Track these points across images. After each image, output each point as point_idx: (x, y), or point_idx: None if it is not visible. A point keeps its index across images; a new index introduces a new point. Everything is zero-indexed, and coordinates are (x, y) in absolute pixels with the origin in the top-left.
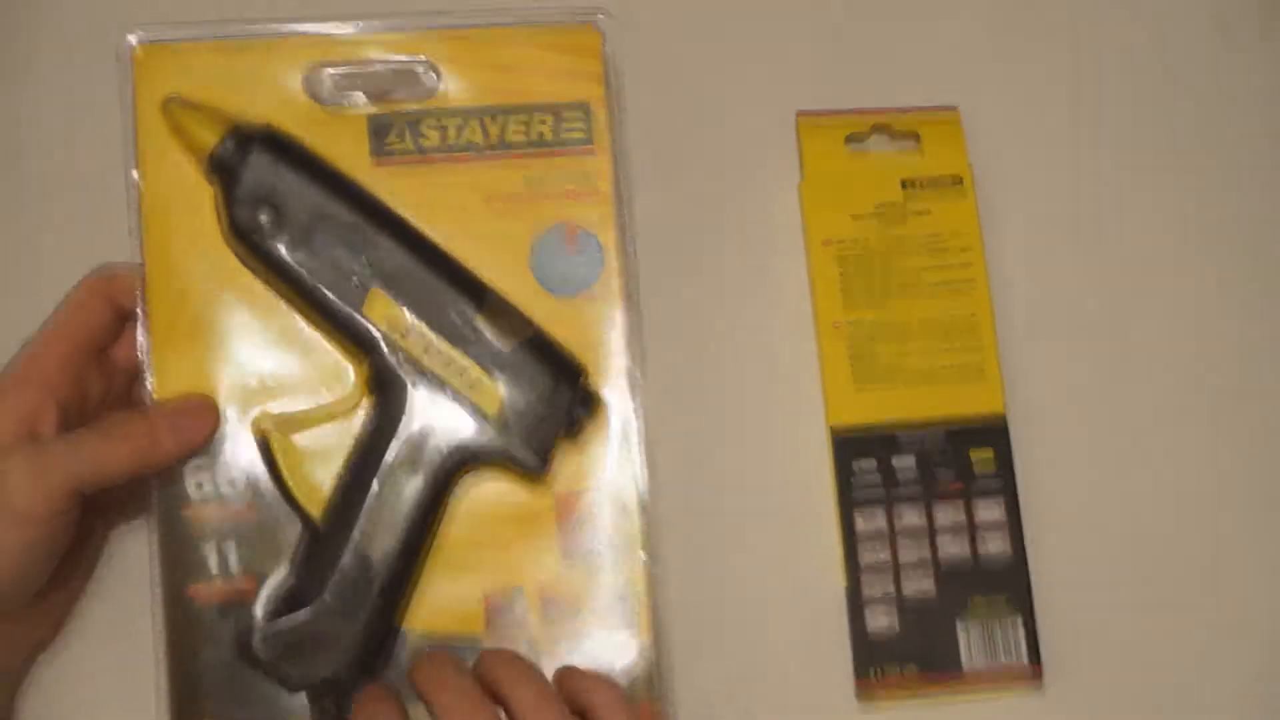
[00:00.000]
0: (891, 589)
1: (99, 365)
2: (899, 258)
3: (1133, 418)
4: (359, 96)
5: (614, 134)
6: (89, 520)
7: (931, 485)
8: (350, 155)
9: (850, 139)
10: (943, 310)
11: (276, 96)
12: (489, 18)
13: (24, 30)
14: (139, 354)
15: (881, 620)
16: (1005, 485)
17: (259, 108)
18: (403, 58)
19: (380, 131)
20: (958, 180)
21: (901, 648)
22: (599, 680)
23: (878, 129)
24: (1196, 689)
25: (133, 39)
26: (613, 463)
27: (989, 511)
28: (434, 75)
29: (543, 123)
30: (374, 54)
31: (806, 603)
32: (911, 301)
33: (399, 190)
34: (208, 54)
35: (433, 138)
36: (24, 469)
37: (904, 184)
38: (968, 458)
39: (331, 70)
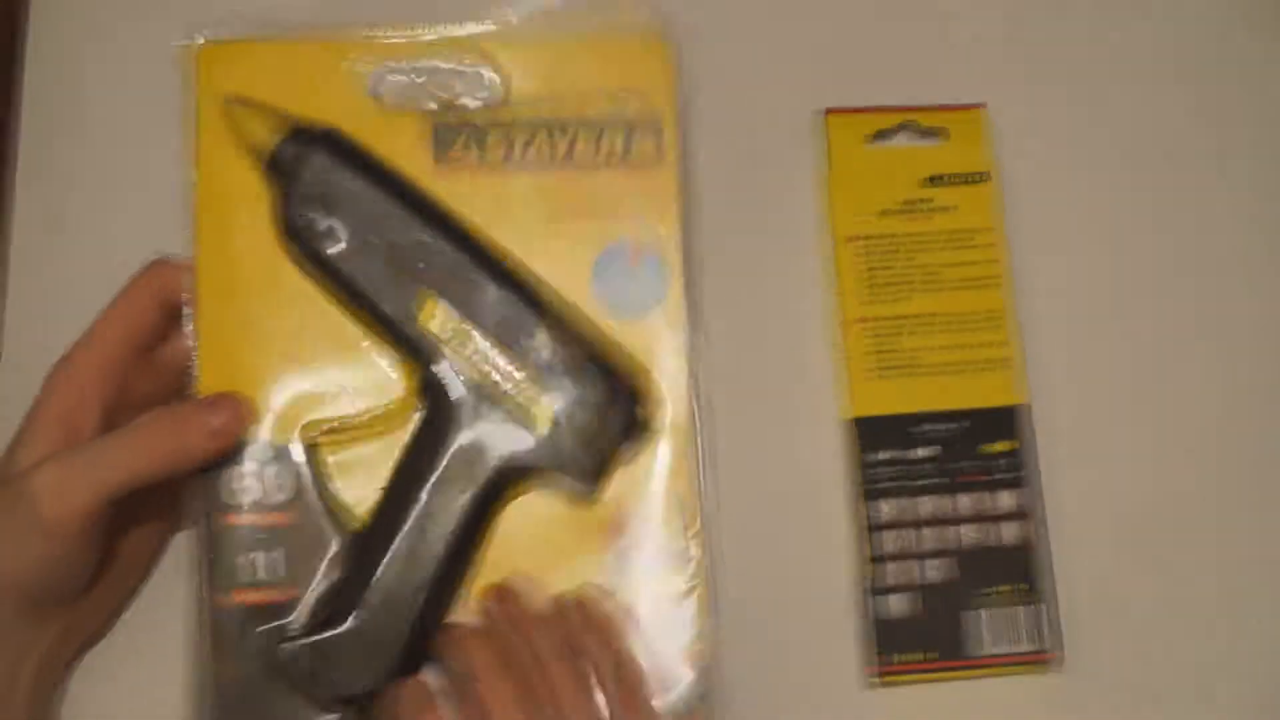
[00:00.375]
0: (914, 577)
1: (147, 364)
2: (923, 253)
3: (1153, 409)
4: (424, 101)
5: (682, 151)
6: (138, 515)
7: (954, 474)
8: (411, 159)
9: (876, 136)
10: (966, 304)
11: (339, 96)
12: (557, 23)
13: (90, 27)
14: (188, 352)
15: (903, 606)
16: (1028, 474)
17: (321, 108)
18: (469, 64)
19: (444, 138)
20: (983, 176)
21: (921, 633)
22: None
23: (904, 126)
24: (1213, 676)
25: (198, 38)
26: (662, 483)
27: (1010, 500)
28: (498, 82)
29: (614, 138)
30: (440, 59)
31: (828, 589)
32: (935, 296)
33: (459, 196)
34: (270, 53)
35: (498, 148)
36: (52, 482)
37: (929, 180)
38: (990, 447)
39: (396, 74)
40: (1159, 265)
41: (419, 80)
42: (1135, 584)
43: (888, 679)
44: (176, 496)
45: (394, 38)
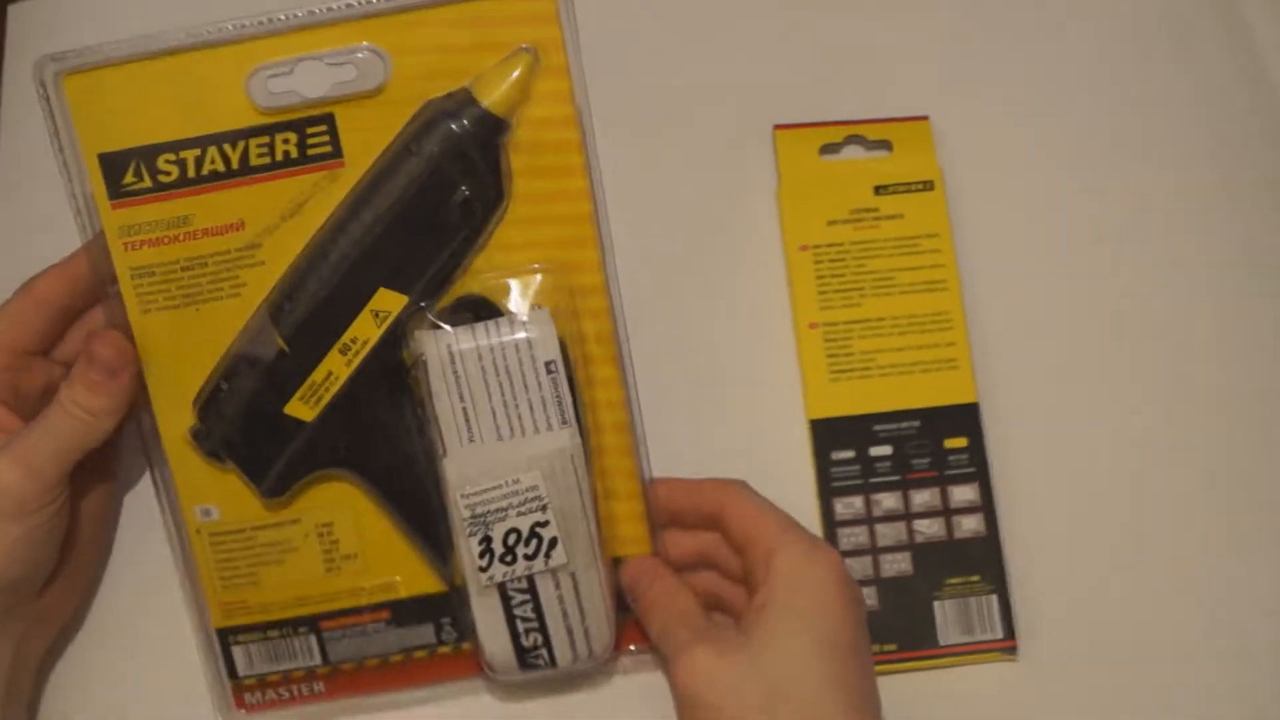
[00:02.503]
0: (871, 571)
1: (42, 364)
2: (873, 259)
3: (1098, 403)
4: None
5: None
6: (80, 491)
7: (907, 471)
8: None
9: (825, 149)
10: (916, 307)
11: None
12: None
13: None
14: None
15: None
16: (979, 470)
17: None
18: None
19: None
20: (929, 185)
21: (881, 626)
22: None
23: (851, 139)
24: (1163, 660)
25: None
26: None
27: (963, 494)
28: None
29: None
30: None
31: None
32: (886, 300)
33: None
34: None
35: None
36: (9, 464)
37: (877, 189)
38: (942, 445)
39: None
40: (1100, 264)
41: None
42: (1086, 572)
43: None
44: (105, 472)
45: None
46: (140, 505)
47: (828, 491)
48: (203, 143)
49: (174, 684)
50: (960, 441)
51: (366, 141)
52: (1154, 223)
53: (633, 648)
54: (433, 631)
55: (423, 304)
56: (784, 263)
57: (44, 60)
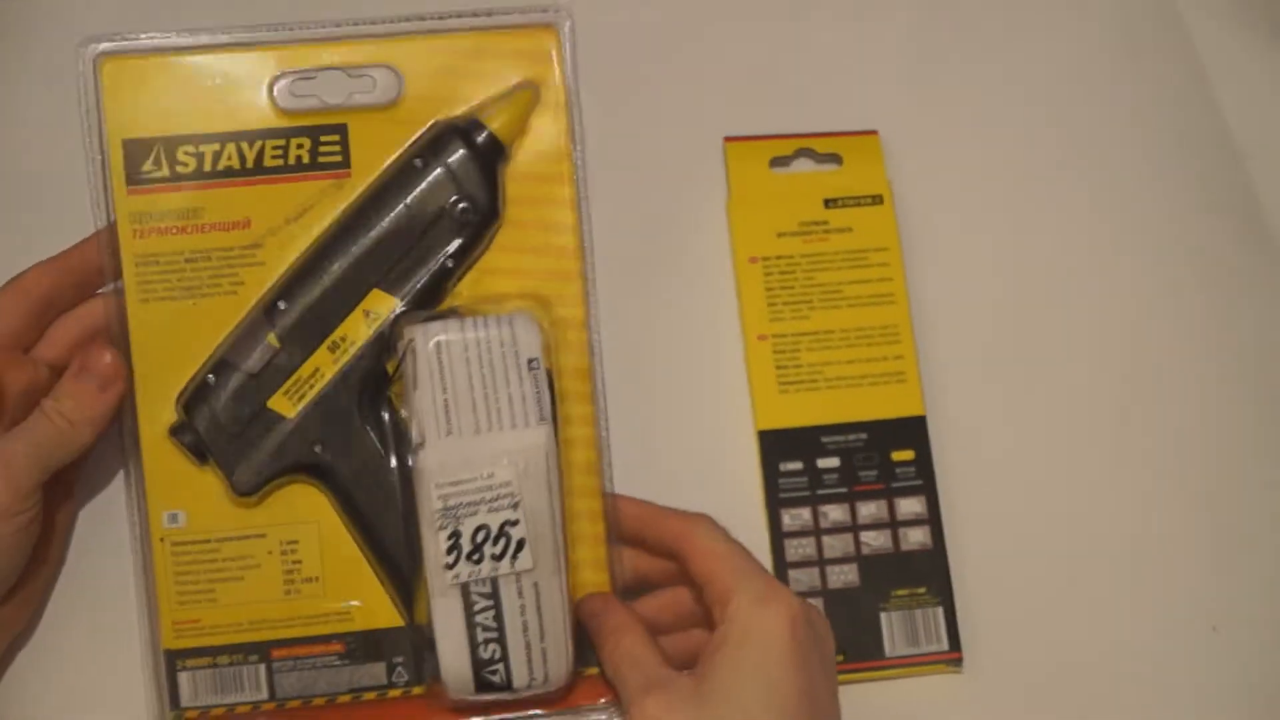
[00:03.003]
0: (818, 583)
1: (19, 363)
2: (822, 272)
3: (1044, 417)
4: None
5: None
6: (51, 508)
7: (854, 483)
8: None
9: (775, 162)
10: (865, 320)
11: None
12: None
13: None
14: (60, 348)
15: None
16: (925, 483)
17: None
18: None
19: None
20: (878, 199)
21: None
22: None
23: (801, 152)
24: (1107, 671)
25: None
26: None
27: (910, 507)
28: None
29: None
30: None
31: None
32: (835, 312)
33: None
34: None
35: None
36: None
37: (827, 203)
38: (889, 457)
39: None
40: (1047, 278)
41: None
42: (1031, 584)
43: None
44: (70, 484)
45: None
46: (103, 515)
47: (775, 502)
48: (222, 139)
49: (116, 708)
50: (907, 454)
51: (374, 155)
52: (1101, 237)
53: (603, 700)
54: (384, 671)
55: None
56: (733, 274)
57: (86, 40)
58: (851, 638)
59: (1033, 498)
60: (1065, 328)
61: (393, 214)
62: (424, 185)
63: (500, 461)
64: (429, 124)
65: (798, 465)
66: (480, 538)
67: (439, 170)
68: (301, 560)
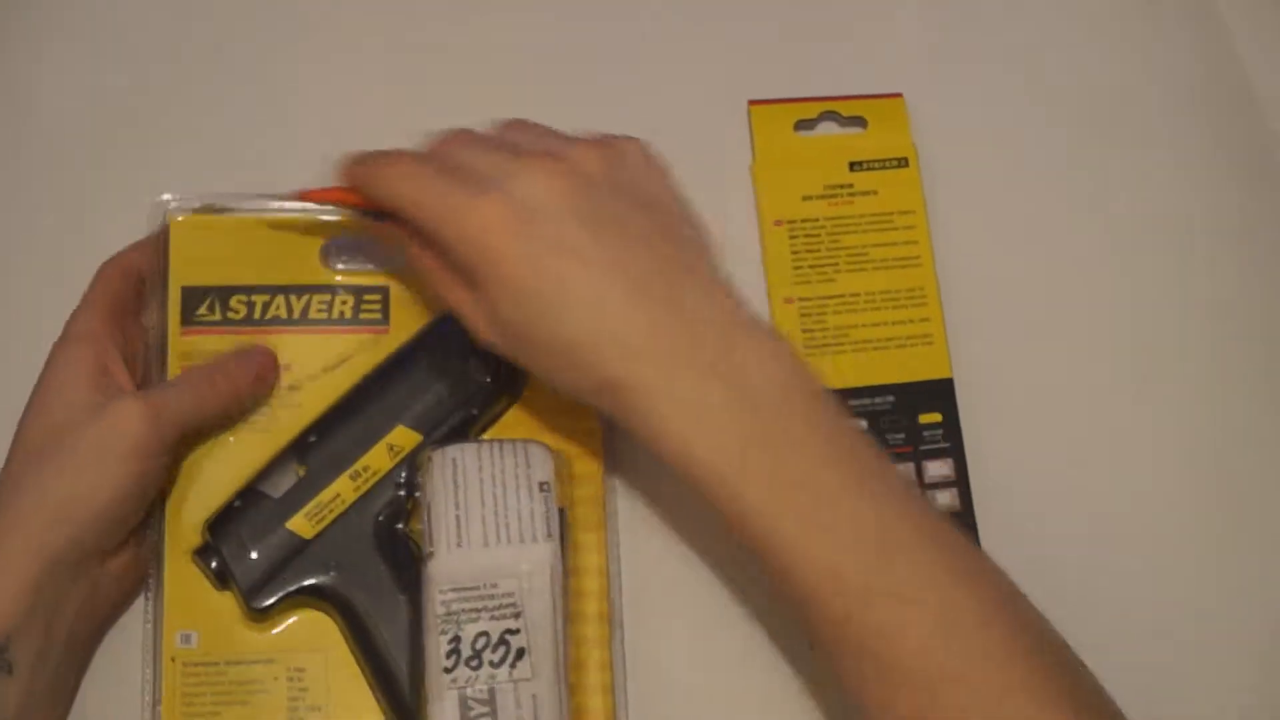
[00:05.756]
0: None
1: (132, 326)
2: (848, 235)
3: (1072, 378)
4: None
5: None
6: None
7: (882, 446)
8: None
9: (800, 125)
10: (890, 283)
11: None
12: None
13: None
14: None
15: None
16: (953, 445)
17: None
18: None
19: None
20: (903, 161)
21: None
22: None
23: (826, 115)
24: (1138, 634)
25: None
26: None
27: (938, 469)
28: None
29: None
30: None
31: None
32: (861, 275)
33: None
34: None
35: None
36: (139, 407)
37: (852, 165)
38: (917, 420)
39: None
40: (1073, 240)
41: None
42: (1059, 546)
43: None
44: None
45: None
46: (116, 634)
47: None
48: (273, 290)
49: None
50: (935, 417)
51: (412, 315)
52: (1127, 199)
53: None
54: None
55: None
56: (759, 238)
57: (163, 201)
58: None
59: (1060, 459)
60: (1091, 289)
61: (421, 366)
62: (452, 346)
63: (505, 573)
64: None
65: None
66: (480, 644)
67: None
68: (308, 688)
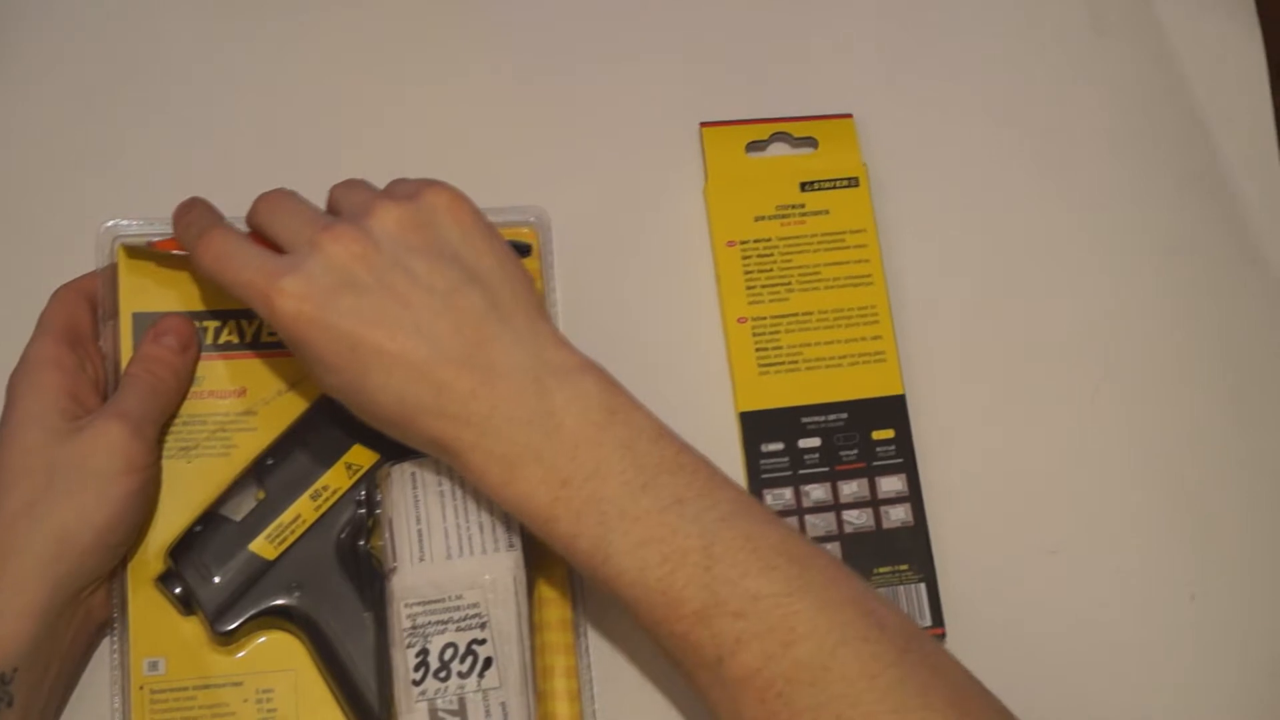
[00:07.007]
0: None
1: (89, 351)
2: (800, 254)
3: (1021, 393)
4: None
5: None
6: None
7: (836, 463)
8: None
9: (751, 146)
10: (843, 301)
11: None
12: None
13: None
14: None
15: None
16: (906, 460)
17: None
18: None
19: None
20: (854, 181)
21: None
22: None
23: (777, 136)
24: (1087, 644)
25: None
26: None
27: (891, 485)
28: None
29: None
30: None
31: None
32: (813, 294)
33: None
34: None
35: None
36: (118, 424)
37: (803, 185)
38: (870, 436)
39: None
40: (1021, 257)
41: None
42: (1012, 559)
43: None
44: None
45: None
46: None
47: (757, 483)
48: (224, 316)
49: None
50: (888, 433)
51: None
52: (1074, 216)
53: None
54: None
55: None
56: (712, 258)
57: (110, 228)
58: None
59: (1012, 473)
60: (1040, 305)
61: None
62: None
63: (469, 584)
64: None
65: (779, 446)
66: (448, 655)
67: None
68: (276, 709)
